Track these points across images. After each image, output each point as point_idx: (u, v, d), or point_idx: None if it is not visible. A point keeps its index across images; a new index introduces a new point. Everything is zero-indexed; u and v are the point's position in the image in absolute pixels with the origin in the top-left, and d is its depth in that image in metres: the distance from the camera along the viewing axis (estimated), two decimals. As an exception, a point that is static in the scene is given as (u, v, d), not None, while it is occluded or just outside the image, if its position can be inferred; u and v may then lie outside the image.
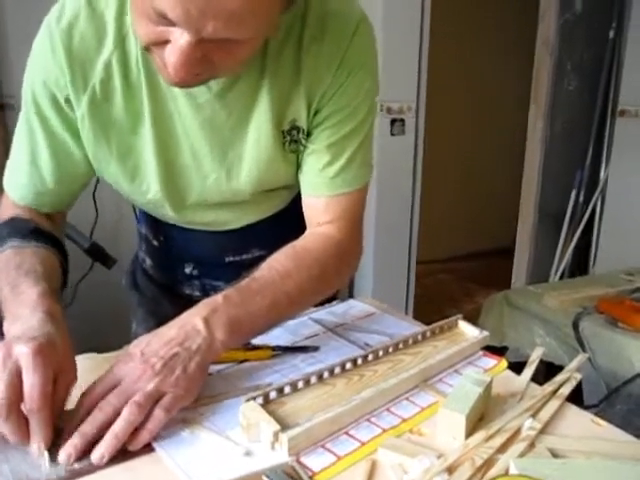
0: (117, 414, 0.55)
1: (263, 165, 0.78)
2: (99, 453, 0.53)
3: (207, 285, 0.98)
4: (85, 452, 0.54)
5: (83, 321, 2.00)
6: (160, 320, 0.66)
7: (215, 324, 0.63)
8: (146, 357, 0.59)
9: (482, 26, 3.94)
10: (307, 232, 0.82)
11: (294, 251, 0.76)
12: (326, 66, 0.73)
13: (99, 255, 1.63)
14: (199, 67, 0.58)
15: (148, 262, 1.04)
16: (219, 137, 0.76)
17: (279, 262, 0.73)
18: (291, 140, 0.78)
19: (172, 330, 0.63)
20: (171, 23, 0.54)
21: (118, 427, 0.54)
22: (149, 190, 0.79)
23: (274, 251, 0.75)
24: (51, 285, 0.68)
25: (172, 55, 0.56)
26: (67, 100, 0.73)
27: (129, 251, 1.13)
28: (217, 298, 0.66)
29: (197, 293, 0.99)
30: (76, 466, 0.53)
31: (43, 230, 0.77)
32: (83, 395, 0.58)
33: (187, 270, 0.98)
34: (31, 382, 0.53)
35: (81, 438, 0.54)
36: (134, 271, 1.09)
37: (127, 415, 0.55)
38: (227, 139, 0.76)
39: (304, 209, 0.84)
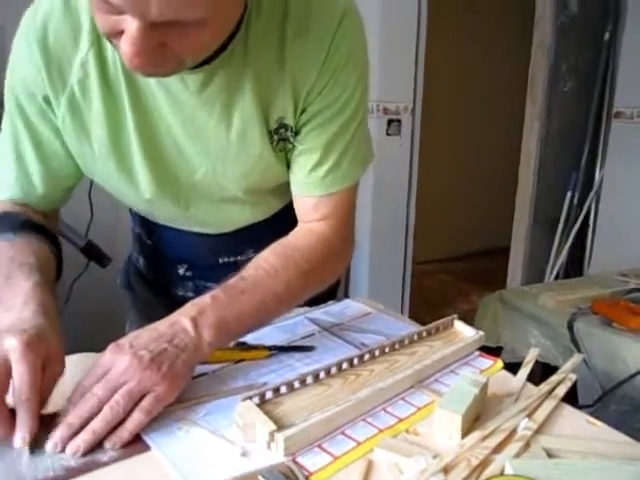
0: (102, 405, 0.56)
1: (251, 161, 0.77)
2: (75, 445, 0.54)
3: (200, 286, 0.98)
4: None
5: (79, 320, 2.00)
6: (152, 322, 0.66)
7: (203, 325, 0.64)
8: (135, 349, 0.59)
9: (479, 27, 3.95)
10: (297, 227, 0.82)
11: (282, 249, 0.76)
12: (311, 62, 0.71)
13: (94, 254, 1.63)
14: (158, 56, 0.55)
15: (142, 262, 1.04)
16: (202, 134, 0.75)
17: (267, 260, 0.73)
18: (279, 139, 0.76)
19: (161, 327, 0.63)
20: (120, 11, 0.52)
21: (96, 424, 0.55)
22: (139, 189, 0.78)
23: None
24: (44, 277, 0.68)
25: (126, 44, 0.53)
26: (46, 99, 0.72)
27: (124, 250, 1.13)
28: (205, 299, 0.66)
29: (190, 294, 0.99)
30: (72, 463, 0.53)
31: (35, 223, 0.76)
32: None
33: (180, 271, 0.98)
34: (19, 373, 0.54)
35: (67, 429, 0.55)
36: (128, 271, 1.08)
37: (106, 414, 0.56)
38: (210, 136, 0.75)
39: (295, 205, 0.83)
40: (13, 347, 0.55)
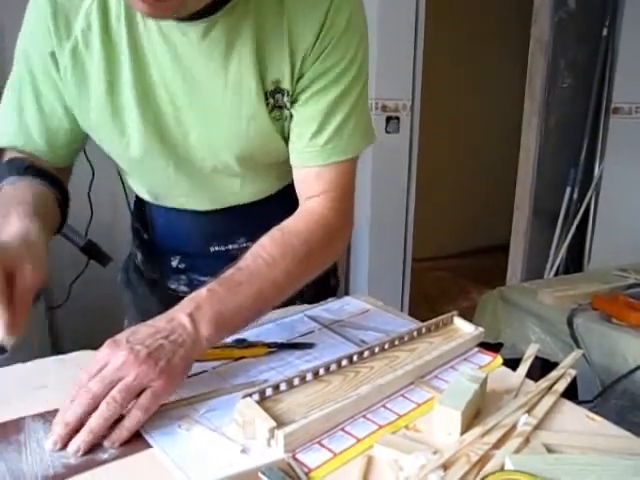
0: (98, 401, 0.56)
1: (244, 122, 0.76)
2: (75, 446, 0.54)
3: (194, 280, 0.98)
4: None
5: (78, 319, 2.00)
6: (150, 318, 0.66)
7: (200, 320, 0.63)
8: (131, 345, 0.59)
9: (478, 23, 3.95)
10: (297, 210, 0.81)
11: (280, 234, 0.75)
12: (309, 23, 0.71)
13: (94, 253, 1.63)
14: None
15: (139, 257, 1.04)
16: (198, 87, 0.75)
17: (264, 249, 0.72)
18: (275, 105, 0.76)
19: (159, 323, 0.63)
20: None
21: (93, 422, 0.55)
22: (130, 144, 0.78)
23: None
24: (40, 218, 0.69)
25: None
26: (52, 55, 0.74)
27: (124, 249, 1.13)
28: (202, 293, 0.66)
29: (183, 288, 0.99)
30: (72, 461, 0.53)
31: (39, 167, 0.78)
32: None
33: (174, 263, 0.98)
34: None
35: (64, 427, 0.55)
36: (127, 268, 1.09)
37: (103, 411, 0.55)
38: (206, 89, 0.75)
39: (295, 183, 0.83)
40: None
